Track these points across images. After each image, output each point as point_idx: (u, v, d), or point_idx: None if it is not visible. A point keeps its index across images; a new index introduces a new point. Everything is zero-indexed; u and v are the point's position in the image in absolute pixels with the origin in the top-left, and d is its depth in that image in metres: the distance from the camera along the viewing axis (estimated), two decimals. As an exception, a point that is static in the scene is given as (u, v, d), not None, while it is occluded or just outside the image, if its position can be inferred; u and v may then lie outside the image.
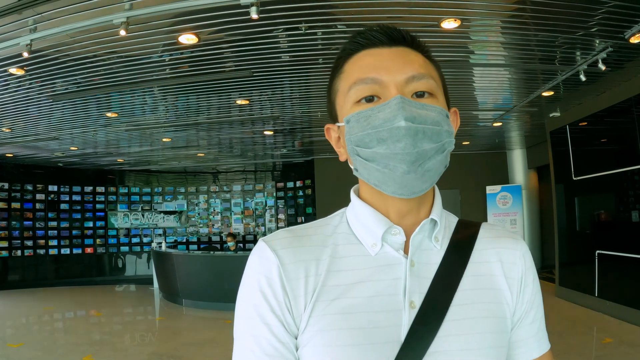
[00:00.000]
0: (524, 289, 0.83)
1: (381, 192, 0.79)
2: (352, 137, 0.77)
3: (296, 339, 0.75)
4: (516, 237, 0.88)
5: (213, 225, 13.81)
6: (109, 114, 7.14)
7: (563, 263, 7.89)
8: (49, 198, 12.31)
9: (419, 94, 0.77)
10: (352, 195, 0.87)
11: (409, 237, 0.80)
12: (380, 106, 0.75)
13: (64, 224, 12.49)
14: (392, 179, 0.75)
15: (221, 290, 6.53)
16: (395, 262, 0.78)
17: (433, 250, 0.81)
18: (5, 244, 11.54)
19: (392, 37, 0.80)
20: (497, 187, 10.81)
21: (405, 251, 0.79)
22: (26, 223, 11.90)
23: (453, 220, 0.88)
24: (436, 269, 0.79)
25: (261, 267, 0.77)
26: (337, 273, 0.77)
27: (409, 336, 0.72)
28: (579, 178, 7.26)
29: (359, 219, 0.83)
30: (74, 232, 12.64)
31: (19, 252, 11.73)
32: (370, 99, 0.77)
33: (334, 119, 0.86)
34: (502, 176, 11.57)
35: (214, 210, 13.83)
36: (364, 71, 0.78)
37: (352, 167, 0.83)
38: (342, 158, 0.87)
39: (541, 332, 0.86)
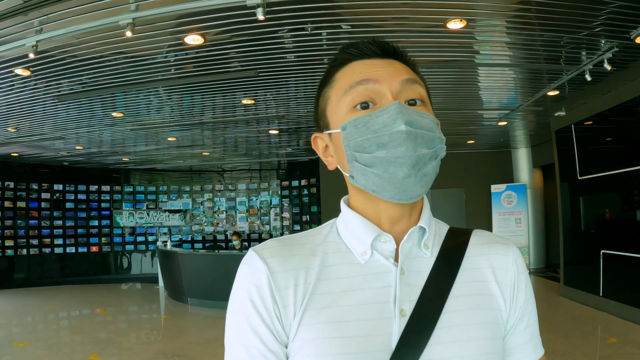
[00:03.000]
0: (517, 295, 0.82)
1: (374, 199, 0.79)
2: (350, 143, 0.77)
3: (286, 347, 0.75)
4: (508, 242, 0.87)
5: (218, 223, 13.83)
6: (114, 114, 7.16)
7: (568, 262, 7.88)
8: (55, 197, 12.37)
9: (411, 102, 0.78)
10: (342, 205, 0.87)
11: (399, 245, 0.79)
12: (379, 112, 0.75)
13: (70, 223, 12.54)
14: (392, 184, 0.74)
15: (226, 289, 6.40)
16: (385, 270, 0.78)
17: (423, 257, 0.80)
18: (11, 242, 11.60)
19: (384, 49, 0.81)
20: (502, 186, 10.79)
21: (396, 259, 0.79)
22: (32, 222, 11.97)
23: (444, 227, 0.88)
24: (427, 276, 0.78)
25: (251, 276, 0.77)
26: (327, 281, 0.77)
27: (400, 344, 0.72)
28: (584, 177, 7.24)
29: (348, 228, 0.83)
30: (79, 230, 12.69)
31: (24, 251, 11.80)
32: (365, 106, 0.77)
33: (322, 127, 0.86)
34: (507, 175, 11.55)
35: (219, 208, 13.86)
36: (357, 76, 0.78)
37: (346, 174, 0.82)
38: (331, 167, 0.86)
39: (535, 338, 0.86)
